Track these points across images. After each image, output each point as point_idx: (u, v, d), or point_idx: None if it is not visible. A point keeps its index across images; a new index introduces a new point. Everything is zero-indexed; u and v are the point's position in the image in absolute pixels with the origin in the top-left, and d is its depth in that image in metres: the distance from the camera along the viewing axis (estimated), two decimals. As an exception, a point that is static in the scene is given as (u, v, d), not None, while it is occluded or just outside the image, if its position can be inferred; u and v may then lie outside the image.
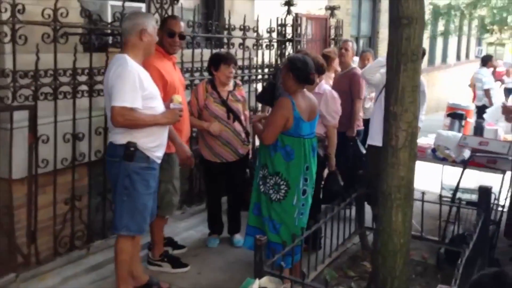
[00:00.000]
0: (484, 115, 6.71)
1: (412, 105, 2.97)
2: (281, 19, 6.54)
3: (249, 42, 5.77)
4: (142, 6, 4.84)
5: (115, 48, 4.16)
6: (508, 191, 4.79)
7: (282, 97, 3.73)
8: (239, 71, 5.47)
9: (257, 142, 4.24)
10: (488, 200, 3.93)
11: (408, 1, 2.89)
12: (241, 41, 5.63)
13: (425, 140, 5.67)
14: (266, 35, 6.09)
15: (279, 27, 6.46)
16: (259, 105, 5.70)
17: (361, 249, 4.49)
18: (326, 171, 4.62)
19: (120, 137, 3.22)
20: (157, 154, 3.34)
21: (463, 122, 7.45)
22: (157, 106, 3.29)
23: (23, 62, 3.54)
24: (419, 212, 4.06)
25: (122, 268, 3.37)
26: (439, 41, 15.62)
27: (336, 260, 4.09)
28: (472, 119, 8.48)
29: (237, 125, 4.41)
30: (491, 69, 10.62)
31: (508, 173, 4.78)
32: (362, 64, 6.49)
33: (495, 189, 4.17)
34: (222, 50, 5.08)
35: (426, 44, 15.15)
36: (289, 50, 6.60)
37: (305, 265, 3.53)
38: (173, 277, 3.98)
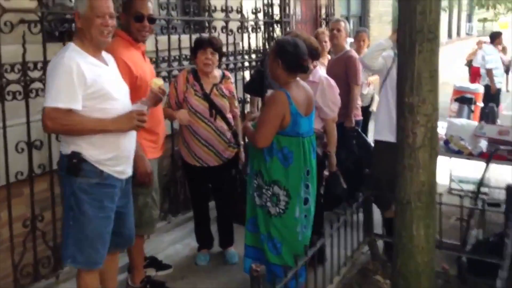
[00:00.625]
0: None
1: (431, 94, 2.55)
2: (267, -1, 5.90)
3: (233, 25, 5.17)
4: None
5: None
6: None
7: (274, 90, 3.13)
8: (224, 59, 4.84)
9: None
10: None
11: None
12: (224, 24, 5.02)
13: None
14: (251, 16, 5.47)
15: (265, 7, 5.82)
16: (248, 96, 5.13)
17: (371, 260, 3.94)
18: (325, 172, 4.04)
19: (65, 146, 2.63)
20: (117, 169, 2.69)
21: (473, 107, 6.85)
22: (114, 108, 2.63)
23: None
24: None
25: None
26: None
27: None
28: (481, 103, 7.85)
29: (221, 123, 3.79)
30: (499, 46, 9.83)
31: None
32: (357, 46, 6.06)
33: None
34: (203, 35, 4.44)
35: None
36: (277, 33, 5.98)
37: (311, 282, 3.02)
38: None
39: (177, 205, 4.63)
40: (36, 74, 3.29)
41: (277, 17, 6.01)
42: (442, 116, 4.92)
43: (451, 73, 14.70)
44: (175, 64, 4.47)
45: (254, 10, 5.51)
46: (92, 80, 2.53)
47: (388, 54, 3.95)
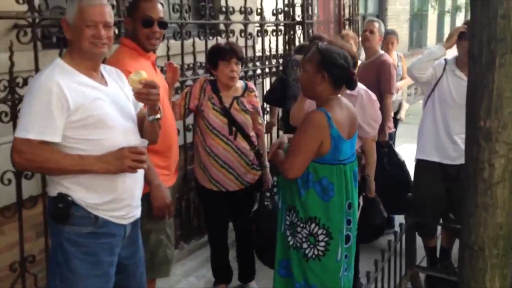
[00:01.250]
0: None
1: (515, 117, 2.09)
2: (288, -1, 5.40)
3: (252, 28, 4.67)
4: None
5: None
6: None
7: (311, 110, 2.64)
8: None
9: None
10: None
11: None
12: (242, 27, 4.52)
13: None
14: (271, 18, 4.97)
15: (287, 8, 5.31)
16: (267, 107, 4.70)
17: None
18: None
19: (50, 186, 2.13)
20: (116, 214, 2.14)
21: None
22: (108, 139, 2.08)
23: None
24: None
25: None
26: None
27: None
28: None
29: (242, 142, 3.30)
30: None
31: None
32: (386, 49, 5.52)
33: None
34: (220, 40, 3.95)
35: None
36: (299, 35, 5.47)
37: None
38: None
39: (190, 230, 4.13)
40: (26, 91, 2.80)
41: (299, 18, 5.51)
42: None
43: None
44: (189, 73, 3.98)
45: (274, 11, 5.02)
46: (78, 105, 2.01)
47: (439, 62, 3.45)
